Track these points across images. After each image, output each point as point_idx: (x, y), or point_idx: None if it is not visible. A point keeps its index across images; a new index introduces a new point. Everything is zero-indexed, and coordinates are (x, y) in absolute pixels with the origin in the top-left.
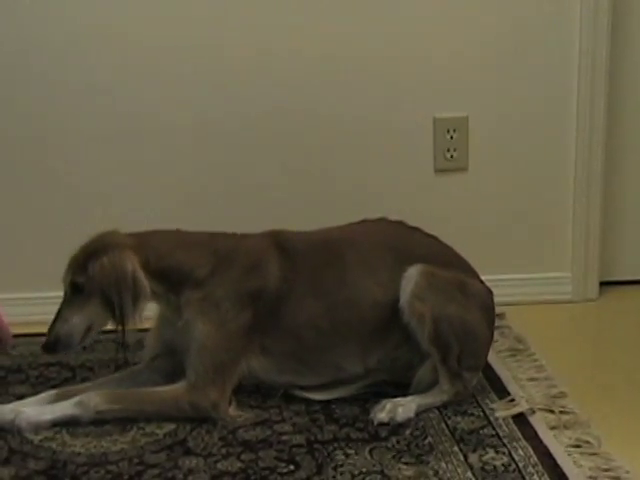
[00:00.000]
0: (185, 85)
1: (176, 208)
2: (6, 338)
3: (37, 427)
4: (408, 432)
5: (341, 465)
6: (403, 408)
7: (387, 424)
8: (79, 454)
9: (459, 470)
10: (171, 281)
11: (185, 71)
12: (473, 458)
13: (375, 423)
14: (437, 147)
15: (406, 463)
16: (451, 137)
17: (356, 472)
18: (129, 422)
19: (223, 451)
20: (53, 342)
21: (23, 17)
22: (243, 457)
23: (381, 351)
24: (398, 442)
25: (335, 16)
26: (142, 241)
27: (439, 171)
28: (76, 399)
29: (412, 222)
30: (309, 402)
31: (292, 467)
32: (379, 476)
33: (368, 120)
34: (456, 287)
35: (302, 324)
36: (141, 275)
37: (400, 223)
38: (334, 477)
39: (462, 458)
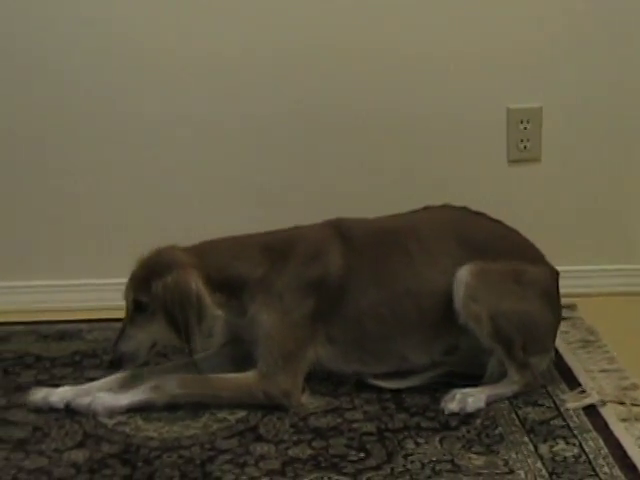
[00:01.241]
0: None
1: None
2: None
3: (112, 412)
4: (478, 422)
5: (411, 454)
6: (473, 398)
7: (457, 414)
8: (152, 438)
9: (529, 460)
10: (233, 289)
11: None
12: (543, 449)
13: (446, 412)
14: (510, 138)
15: (476, 453)
16: (525, 128)
17: (426, 461)
18: (201, 408)
19: (294, 438)
20: (118, 359)
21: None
22: (314, 444)
23: (446, 342)
24: (468, 432)
25: (406, 9)
26: (201, 256)
27: (512, 162)
28: (151, 384)
29: (485, 212)
30: (380, 390)
31: (362, 455)
32: (449, 465)
33: (442, 112)
34: (511, 279)
35: (365, 313)
36: (205, 295)
37: (464, 209)
38: (404, 465)
39: (532, 448)
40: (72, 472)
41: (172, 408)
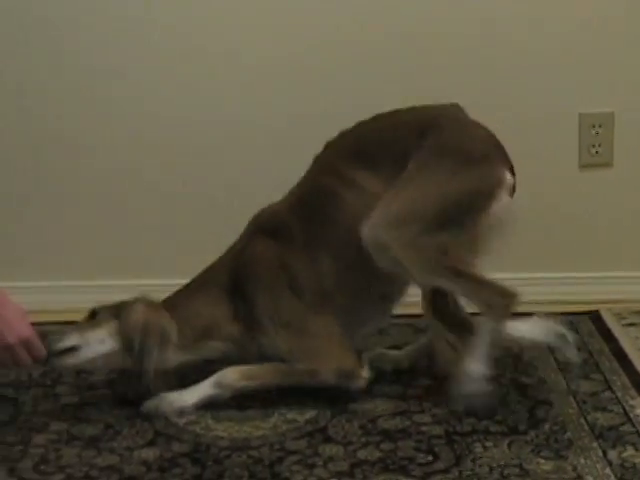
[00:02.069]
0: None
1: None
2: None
3: (181, 411)
4: (547, 426)
5: (479, 457)
6: (472, 364)
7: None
8: (222, 438)
9: (598, 466)
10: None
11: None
12: (612, 455)
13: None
14: (582, 143)
15: (545, 457)
16: (596, 133)
17: (494, 465)
18: (271, 408)
19: (363, 440)
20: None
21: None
22: (382, 446)
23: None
24: (537, 436)
25: (475, 14)
26: (170, 310)
27: (584, 167)
28: (212, 379)
29: (556, 217)
30: (449, 394)
31: (430, 458)
32: (517, 469)
33: (514, 116)
34: (406, 193)
35: (334, 280)
36: (173, 331)
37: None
38: (472, 469)
39: (601, 454)
40: (142, 470)
41: (242, 408)
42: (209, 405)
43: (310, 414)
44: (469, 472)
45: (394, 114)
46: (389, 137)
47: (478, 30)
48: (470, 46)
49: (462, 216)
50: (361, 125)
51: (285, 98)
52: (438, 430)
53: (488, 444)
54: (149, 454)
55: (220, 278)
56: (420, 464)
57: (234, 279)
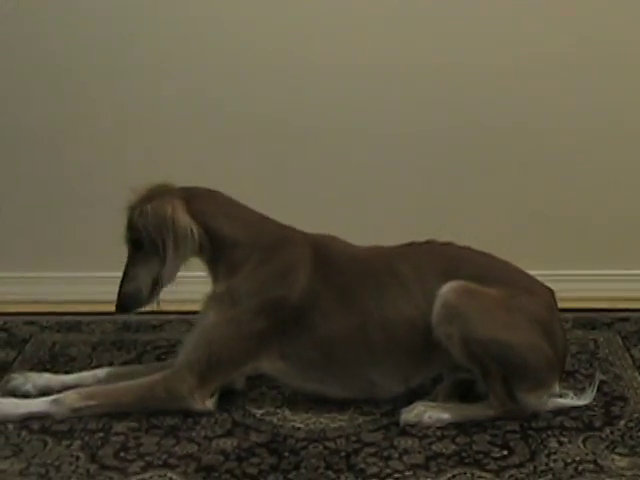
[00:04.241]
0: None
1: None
2: None
3: (7, 419)
4: (622, 423)
5: (554, 452)
6: (432, 413)
7: (413, 426)
8: (299, 429)
9: None
10: (211, 245)
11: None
12: None
13: (400, 423)
14: None
15: (619, 454)
16: None
17: (569, 460)
18: (347, 400)
19: (438, 433)
20: (122, 302)
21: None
22: (458, 440)
23: (424, 373)
24: (612, 433)
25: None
26: (192, 194)
27: None
28: (53, 397)
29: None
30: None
31: (505, 452)
32: (592, 465)
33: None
34: (498, 304)
35: (332, 338)
36: (182, 217)
37: (448, 245)
38: (547, 464)
39: None
40: (220, 459)
41: (320, 401)
42: (286, 396)
43: (386, 407)
44: (544, 467)
45: (503, 265)
46: (494, 278)
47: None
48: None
49: (515, 368)
50: (472, 255)
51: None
52: (513, 425)
53: (563, 439)
54: (227, 444)
55: (254, 224)
56: (495, 458)
57: (260, 236)
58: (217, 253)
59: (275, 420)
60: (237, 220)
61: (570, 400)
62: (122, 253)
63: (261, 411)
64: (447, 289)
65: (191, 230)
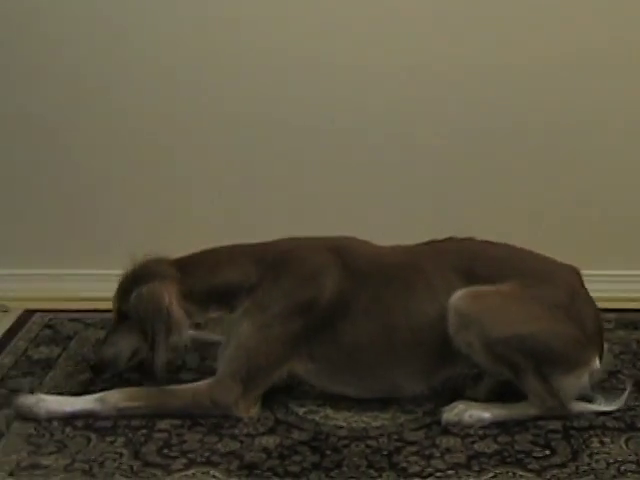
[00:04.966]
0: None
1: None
2: None
3: (53, 416)
4: None
5: (596, 453)
6: (473, 413)
7: (454, 425)
8: (341, 427)
9: None
10: (223, 299)
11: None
12: None
13: (442, 422)
14: None
15: None
16: None
17: (611, 460)
18: (390, 399)
19: (480, 432)
20: (99, 365)
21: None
22: (499, 439)
23: (446, 372)
24: None
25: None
26: (186, 268)
27: None
28: (98, 395)
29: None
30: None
31: (547, 452)
32: (634, 466)
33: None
34: (511, 299)
35: (356, 340)
36: (176, 309)
37: (469, 240)
38: (589, 464)
39: None
40: (263, 457)
41: (362, 400)
42: (328, 395)
43: (428, 406)
44: (586, 467)
45: (523, 254)
46: (510, 273)
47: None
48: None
49: (544, 360)
50: (490, 249)
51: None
52: (555, 424)
53: (605, 440)
54: (269, 441)
55: (258, 254)
56: (537, 458)
57: (270, 263)
58: (232, 300)
59: (317, 418)
60: (235, 261)
61: (597, 406)
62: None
63: (303, 409)
64: (456, 297)
65: (183, 327)
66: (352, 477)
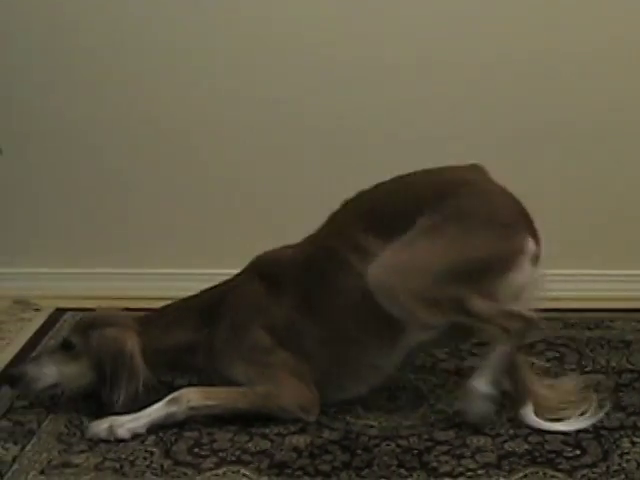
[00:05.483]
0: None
1: None
2: None
3: (135, 432)
4: None
5: (627, 453)
6: (476, 382)
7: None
8: (372, 427)
9: None
10: (179, 358)
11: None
12: None
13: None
14: None
15: None
16: None
17: None
18: (420, 398)
19: (511, 432)
20: (17, 378)
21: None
22: (530, 439)
23: (408, 339)
24: None
25: None
26: (143, 325)
27: None
28: (168, 397)
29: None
30: (597, 389)
31: (578, 452)
32: None
33: None
34: (418, 245)
35: (316, 349)
36: (138, 357)
37: (358, 195)
38: (619, 464)
39: None
40: (293, 456)
41: (393, 398)
42: (358, 395)
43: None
44: (616, 467)
45: (413, 177)
46: (406, 203)
47: None
48: None
49: (478, 277)
50: (379, 187)
51: None
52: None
53: (636, 440)
54: (300, 440)
55: (200, 307)
56: (567, 458)
57: (212, 312)
58: (186, 357)
59: (348, 417)
60: (183, 319)
61: (560, 425)
62: (203, 251)
63: (334, 408)
64: (372, 274)
65: (142, 376)
66: (383, 476)
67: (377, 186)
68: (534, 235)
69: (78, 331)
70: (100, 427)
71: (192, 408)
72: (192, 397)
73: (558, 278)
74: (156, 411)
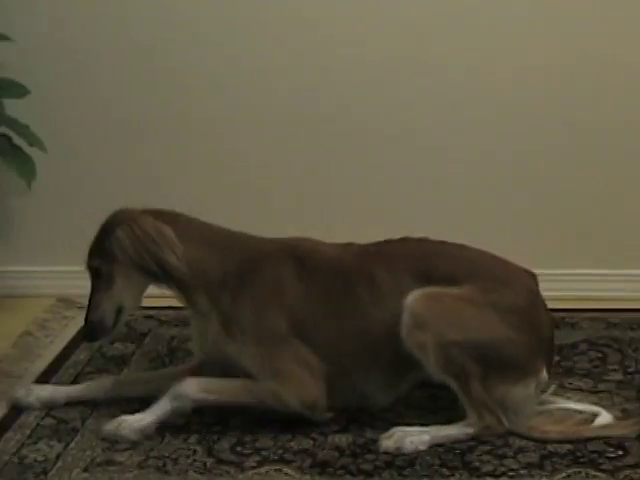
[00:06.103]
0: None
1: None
2: None
3: (143, 432)
4: None
5: None
6: (413, 439)
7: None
8: (413, 425)
9: None
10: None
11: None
12: None
13: (380, 450)
14: None
15: None
16: None
17: None
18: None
19: None
20: (89, 331)
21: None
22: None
23: (413, 379)
24: None
25: None
26: (162, 216)
27: None
28: (169, 393)
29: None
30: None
31: (620, 452)
32: None
33: None
34: (467, 303)
35: (320, 349)
36: (163, 225)
37: (422, 240)
38: None
39: None
40: (335, 455)
41: (434, 397)
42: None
43: None
44: None
45: (479, 253)
46: (461, 268)
47: None
48: None
49: (495, 367)
50: (445, 245)
51: None
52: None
53: None
54: (342, 439)
55: (231, 266)
56: (610, 458)
57: (242, 276)
58: (194, 280)
59: (390, 416)
60: (204, 243)
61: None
62: None
63: (375, 408)
64: (412, 299)
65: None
66: (425, 476)
67: (443, 243)
68: (549, 364)
69: (93, 253)
70: (109, 427)
71: (195, 401)
72: (193, 390)
73: (602, 278)
74: (161, 408)
